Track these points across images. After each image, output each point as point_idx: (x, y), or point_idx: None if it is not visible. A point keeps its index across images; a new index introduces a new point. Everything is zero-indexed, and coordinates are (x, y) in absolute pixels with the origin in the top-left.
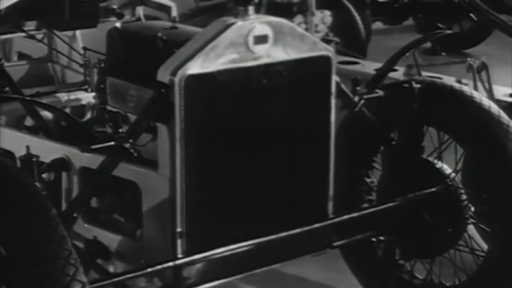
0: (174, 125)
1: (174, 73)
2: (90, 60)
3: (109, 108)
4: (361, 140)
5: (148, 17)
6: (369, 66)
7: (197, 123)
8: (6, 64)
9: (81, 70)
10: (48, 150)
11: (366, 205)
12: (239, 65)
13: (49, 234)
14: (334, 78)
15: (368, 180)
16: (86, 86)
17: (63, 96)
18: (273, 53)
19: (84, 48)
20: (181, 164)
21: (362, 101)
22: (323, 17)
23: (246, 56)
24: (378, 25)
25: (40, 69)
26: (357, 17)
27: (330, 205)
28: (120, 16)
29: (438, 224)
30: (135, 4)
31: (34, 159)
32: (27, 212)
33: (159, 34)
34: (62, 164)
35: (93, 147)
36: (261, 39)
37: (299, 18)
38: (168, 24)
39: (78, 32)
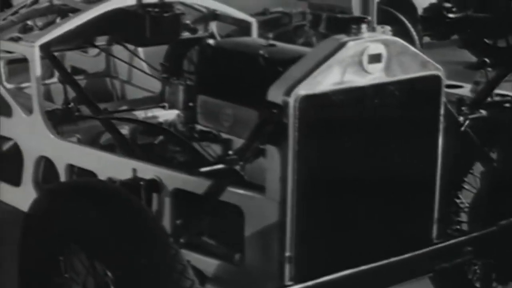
0: (287, 147)
1: (287, 93)
2: (172, 77)
3: (199, 127)
4: (455, 161)
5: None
6: None
7: (310, 144)
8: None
9: (142, 85)
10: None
11: (457, 227)
12: (352, 84)
13: (171, 263)
14: (443, 98)
15: (458, 201)
16: (163, 104)
17: (140, 114)
18: (386, 72)
19: (162, 64)
20: (293, 188)
21: (467, 122)
22: (384, 32)
23: (360, 75)
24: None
25: (97, 85)
26: (414, 33)
27: (435, 229)
28: (193, 31)
29: None
30: (208, 20)
31: (141, 183)
32: (144, 241)
33: (260, 52)
34: (154, 186)
35: (203, 170)
36: (375, 58)
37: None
38: (263, 41)
39: (140, 48)
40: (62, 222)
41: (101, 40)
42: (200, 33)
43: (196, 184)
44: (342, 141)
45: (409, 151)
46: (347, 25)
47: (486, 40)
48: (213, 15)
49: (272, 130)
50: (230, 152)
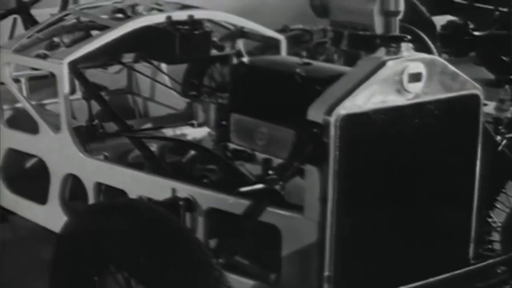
0: (327, 166)
1: (329, 113)
2: (203, 94)
3: (232, 145)
4: (488, 180)
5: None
6: None
7: (351, 164)
8: (78, 95)
9: (165, 102)
10: (164, 188)
11: (488, 246)
12: (392, 104)
13: (215, 285)
14: (482, 118)
15: (490, 220)
16: (193, 121)
17: (168, 132)
18: (425, 92)
19: (191, 82)
20: (333, 208)
21: (505, 141)
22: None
23: (400, 94)
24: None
25: (118, 102)
26: (434, 50)
27: (472, 249)
28: (220, 48)
29: None
30: (235, 37)
31: (181, 203)
32: (188, 263)
33: (298, 70)
34: (188, 205)
35: (243, 190)
36: (415, 77)
37: (381, 50)
38: (296, 59)
39: (163, 65)
40: (99, 242)
41: (127, 57)
42: (227, 50)
43: (234, 204)
44: (381, 160)
45: (447, 170)
46: (369, 42)
47: (504, 58)
48: (241, 33)
49: (312, 149)
50: (270, 172)
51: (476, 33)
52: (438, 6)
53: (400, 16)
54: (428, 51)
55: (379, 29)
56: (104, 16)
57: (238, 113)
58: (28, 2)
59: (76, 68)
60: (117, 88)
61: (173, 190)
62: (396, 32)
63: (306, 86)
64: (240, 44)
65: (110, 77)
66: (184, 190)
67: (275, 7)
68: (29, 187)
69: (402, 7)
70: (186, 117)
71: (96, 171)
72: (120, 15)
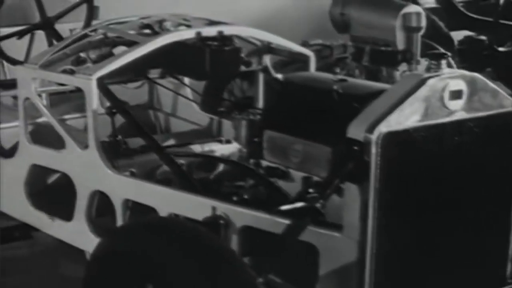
0: (368, 185)
1: (370, 130)
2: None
3: (265, 162)
4: None
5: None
6: None
7: (392, 183)
8: (101, 111)
9: (188, 118)
10: (198, 206)
11: None
12: (433, 121)
13: None
14: None
15: None
16: (221, 138)
17: (196, 148)
18: (466, 109)
19: (220, 98)
20: (373, 227)
21: None
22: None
23: (440, 112)
24: None
25: (139, 117)
26: (454, 65)
27: (509, 268)
28: (247, 64)
29: None
30: (262, 53)
31: (221, 222)
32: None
33: (335, 87)
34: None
35: (284, 208)
36: (456, 95)
37: (403, 66)
38: (330, 75)
39: (186, 80)
40: (137, 262)
41: (152, 73)
42: (254, 66)
43: (271, 222)
44: (422, 178)
45: (486, 189)
46: (392, 58)
47: None
48: (268, 48)
49: (353, 167)
50: (311, 190)
51: (495, 48)
52: (458, 22)
53: (421, 32)
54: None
55: (401, 44)
56: (132, 32)
57: (272, 129)
58: (53, 18)
59: (102, 84)
60: (137, 103)
61: (214, 209)
62: (418, 47)
63: (343, 103)
64: (267, 59)
65: (131, 92)
66: (220, 208)
67: (293, 22)
68: (53, 203)
69: (424, 23)
70: (209, 133)
71: (125, 188)
72: (147, 31)
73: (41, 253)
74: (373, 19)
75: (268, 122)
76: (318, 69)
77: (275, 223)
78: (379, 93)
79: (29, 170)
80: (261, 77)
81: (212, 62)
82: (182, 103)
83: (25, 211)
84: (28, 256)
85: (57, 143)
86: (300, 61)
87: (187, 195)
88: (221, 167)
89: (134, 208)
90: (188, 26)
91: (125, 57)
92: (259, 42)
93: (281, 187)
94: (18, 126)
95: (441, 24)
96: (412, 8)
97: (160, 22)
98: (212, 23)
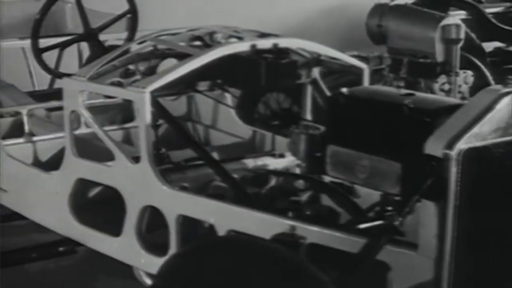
0: (447, 202)
1: (449, 147)
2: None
3: (327, 178)
4: None
5: None
6: None
7: (471, 200)
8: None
9: (228, 130)
10: (263, 223)
11: None
12: None
13: None
14: None
15: None
16: (274, 152)
17: (249, 162)
18: None
19: (272, 111)
20: (452, 245)
21: None
22: (466, 77)
23: None
24: None
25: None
26: (489, 77)
27: None
28: (298, 77)
29: None
30: (312, 65)
31: (301, 241)
32: None
33: (406, 102)
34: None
35: (362, 226)
36: None
37: (442, 78)
38: (393, 89)
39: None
40: (212, 284)
41: (202, 86)
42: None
43: (348, 241)
44: (502, 194)
45: None
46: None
47: None
48: (317, 61)
49: (431, 184)
50: (389, 207)
51: None
52: (489, 33)
53: (460, 44)
54: (482, 78)
55: (439, 56)
56: (182, 44)
57: (336, 144)
58: (97, 29)
59: (152, 96)
60: (176, 115)
61: (292, 228)
62: (457, 59)
63: (414, 118)
64: (316, 72)
65: (167, 104)
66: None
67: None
68: (96, 217)
69: (463, 34)
70: (251, 146)
71: (180, 204)
72: (198, 43)
73: (78, 267)
74: (411, 31)
75: (331, 137)
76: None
77: (352, 242)
78: (450, 108)
79: (75, 184)
80: (309, 90)
81: (268, 75)
82: (221, 115)
83: (69, 226)
84: (72, 271)
85: (95, 156)
86: (352, 74)
87: (251, 212)
88: (273, 181)
89: (184, 223)
90: (239, 38)
91: (180, 70)
92: (308, 54)
93: (358, 204)
94: (53, 138)
95: (473, 35)
96: (451, 20)
97: (211, 34)
98: (263, 35)
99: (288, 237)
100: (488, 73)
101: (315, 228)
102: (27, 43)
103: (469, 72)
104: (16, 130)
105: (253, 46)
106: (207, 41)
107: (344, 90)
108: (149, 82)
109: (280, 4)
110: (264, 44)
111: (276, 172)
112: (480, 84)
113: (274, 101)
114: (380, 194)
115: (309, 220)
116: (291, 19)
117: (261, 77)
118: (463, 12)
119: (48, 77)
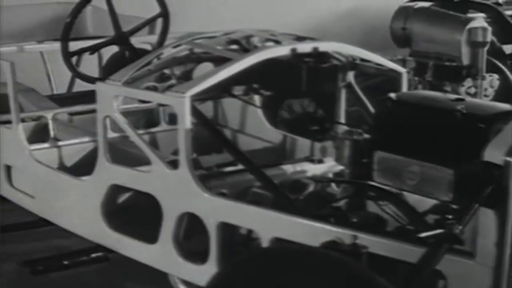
0: (507, 210)
1: (511, 154)
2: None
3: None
4: None
5: None
6: None
7: None
8: (163, 127)
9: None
10: (311, 231)
11: None
12: None
13: None
14: None
15: None
16: (313, 157)
17: (288, 168)
18: None
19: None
20: (510, 253)
21: None
22: (492, 81)
23: None
24: None
25: (203, 134)
26: None
27: None
28: None
29: None
30: (347, 69)
31: (364, 251)
32: None
33: (459, 107)
34: None
35: (423, 235)
36: None
37: (468, 81)
38: (441, 94)
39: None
40: None
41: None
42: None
43: (407, 251)
44: None
45: None
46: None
47: None
48: (352, 65)
49: (491, 192)
50: (449, 216)
51: None
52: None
53: (487, 47)
54: (506, 81)
55: (466, 59)
56: (219, 47)
57: (384, 150)
58: (128, 32)
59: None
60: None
61: (354, 237)
62: (483, 63)
63: (468, 124)
64: (351, 76)
65: None
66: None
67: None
68: (129, 224)
69: (489, 37)
70: (282, 151)
71: (221, 210)
72: (235, 47)
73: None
74: (437, 34)
75: (379, 143)
76: (377, 84)
77: (412, 252)
78: (504, 113)
79: (108, 190)
80: (343, 94)
81: (309, 79)
82: (249, 119)
83: (102, 233)
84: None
85: (122, 161)
86: (390, 78)
87: (297, 219)
88: (311, 187)
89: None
90: (277, 42)
91: (220, 74)
92: (343, 58)
93: (417, 211)
94: (78, 143)
95: (493, 38)
96: (477, 23)
97: (248, 37)
98: (299, 38)
99: (348, 247)
100: (511, 76)
101: (375, 238)
102: (45, 46)
103: (495, 76)
104: (39, 135)
105: (294, 50)
106: (244, 45)
107: (392, 95)
108: (189, 86)
109: (298, 6)
110: (304, 48)
111: (333, 180)
112: (504, 88)
113: (303, 105)
114: (439, 202)
115: (357, 228)
116: (314, 23)
117: (301, 82)
118: (482, 14)
119: (66, 80)
